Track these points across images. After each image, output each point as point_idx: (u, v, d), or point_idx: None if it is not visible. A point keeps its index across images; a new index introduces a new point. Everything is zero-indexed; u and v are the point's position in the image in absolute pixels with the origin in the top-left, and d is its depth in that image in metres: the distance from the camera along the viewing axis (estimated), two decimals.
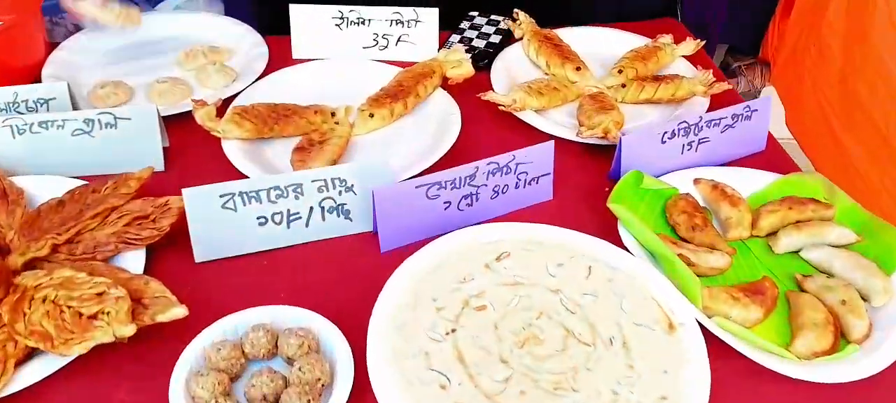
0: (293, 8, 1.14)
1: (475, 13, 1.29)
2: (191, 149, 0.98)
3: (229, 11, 1.47)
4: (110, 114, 0.91)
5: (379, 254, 0.84)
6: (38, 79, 1.07)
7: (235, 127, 0.95)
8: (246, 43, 1.18)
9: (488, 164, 0.85)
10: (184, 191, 0.79)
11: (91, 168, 0.92)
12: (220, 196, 0.80)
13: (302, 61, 1.15)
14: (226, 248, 0.82)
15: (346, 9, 1.14)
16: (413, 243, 0.85)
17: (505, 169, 0.86)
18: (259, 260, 0.83)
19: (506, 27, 1.25)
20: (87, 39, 1.17)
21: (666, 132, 0.91)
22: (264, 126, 0.97)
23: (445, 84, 1.09)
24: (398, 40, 1.17)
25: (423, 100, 1.06)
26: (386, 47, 1.17)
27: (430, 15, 1.15)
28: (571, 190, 0.93)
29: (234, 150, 0.94)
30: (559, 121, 1.05)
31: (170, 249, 0.82)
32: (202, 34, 1.20)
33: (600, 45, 1.21)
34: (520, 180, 0.88)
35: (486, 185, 0.86)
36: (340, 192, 0.84)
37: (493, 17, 1.28)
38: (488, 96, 1.03)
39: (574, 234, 0.81)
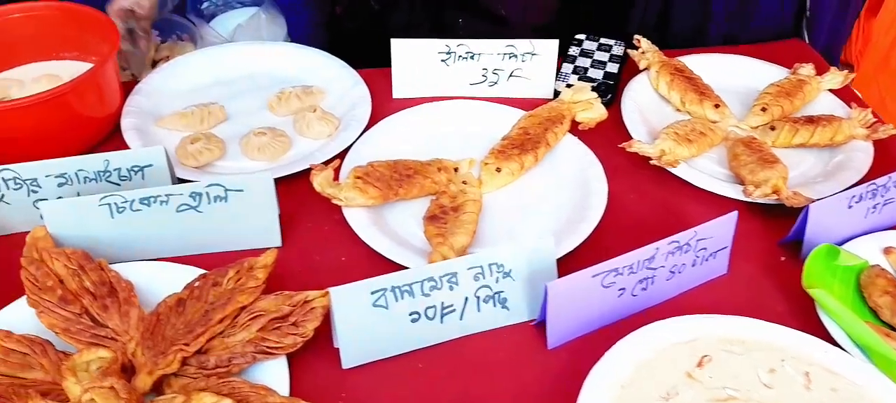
0: (396, 43, 1.02)
1: (582, 36, 1.16)
2: (303, 216, 0.86)
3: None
4: (220, 186, 0.79)
5: (543, 349, 0.74)
6: (116, 128, 0.96)
7: (359, 194, 0.84)
8: (341, 82, 1.05)
9: (669, 244, 0.74)
10: (331, 291, 0.68)
11: (198, 247, 0.81)
12: (372, 293, 0.69)
13: (402, 100, 1.04)
14: (376, 350, 0.71)
15: (453, 42, 1.02)
16: (580, 335, 0.75)
17: (685, 247, 0.75)
18: (413, 362, 0.72)
19: (620, 53, 1.13)
20: (160, 78, 1.05)
21: (854, 196, 0.81)
22: (389, 190, 0.85)
23: (573, 128, 0.98)
24: (510, 75, 1.05)
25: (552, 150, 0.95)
26: (495, 83, 1.05)
27: (548, 47, 1.03)
28: (743, 261, 0.82)
29: (358, 220, 0.83)
30: (707, 170, 0.94)
31: (309, 352, 0.71)
32: (287, 68, 1.08)
33: (726, 75, 1.09)
34: (698, 257, 0.77)
35: (663, 267, 0.75)
36: (498, 279, 0.74)
37: (603, 41, 1.16)
38: (635, 147, 0.91)
39: (777, 329, 0.71)
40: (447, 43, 1.02)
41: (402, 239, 0.83)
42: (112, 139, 0.96)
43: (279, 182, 0.87)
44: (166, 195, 0.78)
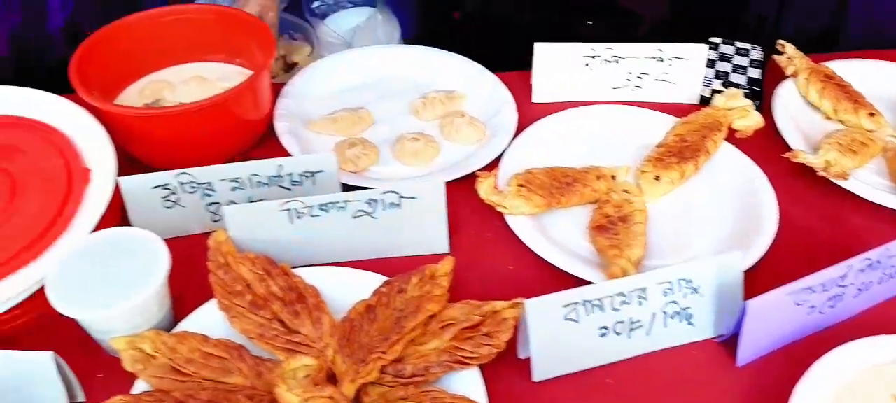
0: (539, 47, 1.01)
1: (718, 40, 1.14)
2: (463, 223, 0.86)
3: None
4: (395, 193, 0.79)
5: (731, 366, 0.73)
6: (268, 129, 0.97)
7: (524, 202, 0.84)
8: (481, 86, 1.05)
9: (862, 262, 0.72)
10: (527, 303, 0.67)
11: (370, 252, 0.82)
12: (564, 306, 0.69)
13: (542, 105, 1.03)
14: (567, 364, 0.71)
15: (599, 46, 1.01)
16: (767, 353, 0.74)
17: (875, 264, 0.73)
18: (600, 377, 0.72)
19: (760, 57, 1.11)
20: (303, 82, 1.05)
21: None
22: (552, 198, 0.85)
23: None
24: (655, 80, 1.03)
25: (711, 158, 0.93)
26: (639, 88, 1.04)
27: (697, 52, 1.01)
28: None
29: (524, 228, 0.83)
30: (868, 181, 0.91)
31: (496, 363, 0.71)
32: (425, 72, 1.08)
33: (871, 81, 1.06)
34: (885, 274, 0.75)
35: (852, 284, 0.73)
36: (685, 294, 0.73)
37: (740, 45, 1.13)
38: (801, 158, 0.89)
39: None
40: (592, 46, 1.01)
41: (567, 248, 0.83)
42: (265, 142, 0.97)
43: None
44: (344, 201, 0.79)
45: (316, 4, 1.49)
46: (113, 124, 0.86)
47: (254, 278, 0.75)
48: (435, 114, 1.01)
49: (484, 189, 0.84)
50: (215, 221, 0.85)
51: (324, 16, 1.47)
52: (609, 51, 1.01)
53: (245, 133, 0.95)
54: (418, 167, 0.94)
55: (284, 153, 0.93)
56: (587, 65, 1.02)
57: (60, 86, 0.90)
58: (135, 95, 1.00)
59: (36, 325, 0.75)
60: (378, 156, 0.94)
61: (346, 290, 0.75)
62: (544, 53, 1.01)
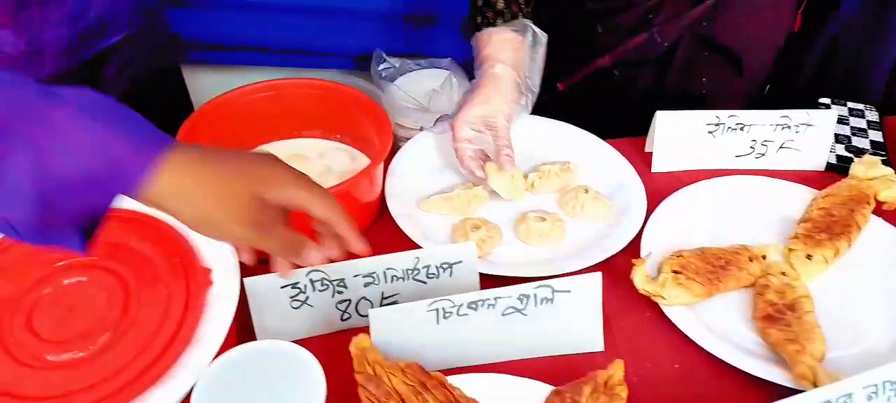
0: (660, 115, 0.96)
1: (828, 100, 1.09)
2: (613, 314, 0.79)
3: None
4: (548, 287, 0.72)
5: None
6: (379, 212, 0.90)
7: (684, 291, 0.77)
8: (592, 155, 0.99)
9: None
10: None
11: (519, 353, 0.74)
12: None
13: (661, 175, 0.98)
14: None
15: (723, 113, 0.96)
16: None
17: None
18: None
19: (875, 118, 1.06)
20: (408, 157, 0.98)
21: None
22: (711, 285, 0.78)
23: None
24: (780, 147, 0.98)
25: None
26: (763, 155, 0.98)
27: (825, 118, 0.96)
28: None
29: (686, 321, 0.76)
30: None
31: None
32: (531, 142, 1.01)
33: None
34: None
35: None
36: (889, 398, 0.66)
37: (851, 105, 1.08)
38: None
39: None
40: (717, 114, 0.96)
41: (732, 340, 0.76)
42: (376, 223, 0.90)
43: None
44: (495, 298, 0.72)
45: (383, 67, 1.44)
46: None
47: (408, 391, 0.67)
48: (551, 187, 0.94)
49: (639, 280, 0.77)
50: (344, 321, 0.77)
51: (392, 79, 1.42)
52: (733, 118, 0.96)
53: (363, 218, 0.88)
54: (545, 249, 0.87)
55: (397, 235, 0.87)
56: (710, 132, 0.96)
57: None
58: None
59: None
60: (502, 238, 0.87)
61: (499, 401, 0.68)
62: (667, 122, 0.96)
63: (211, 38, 1.62)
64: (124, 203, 0.79)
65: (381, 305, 0.77)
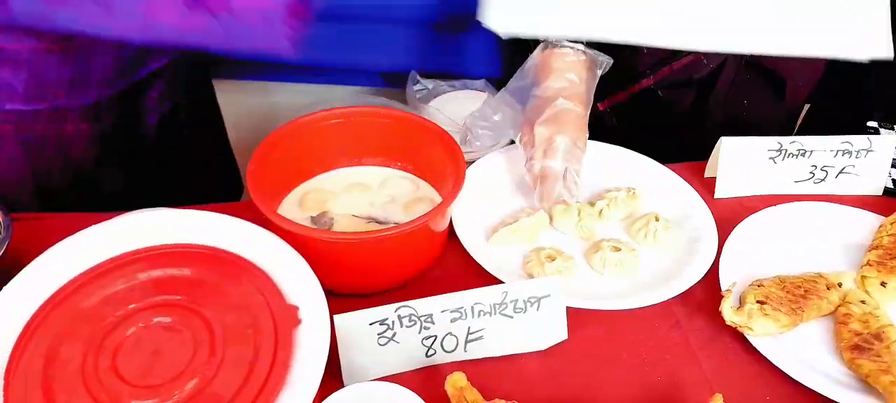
0: (725, 141, 0.96)
1: (875, 124, 1.10)
2: (702, 344, 0.79)
3: None
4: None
5: None
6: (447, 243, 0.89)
7: (772, 322, 0.76)
8: (655, 181, 0.99)
9: None
10: None
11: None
12: None
13: (724, 201, 0.97)
14: None
15: (785, 140, 0.96)
16: None
17: None
18: None
19: None
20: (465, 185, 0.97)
21: None
22: (795, 316, 0.78)
23: None
24: (840, 172, 0.98)
25: None
26: (823, 180, 0.99)
27: (885, 143, 0.97)
28: None
29: (776, 352, 0.75)
30: None
31: None
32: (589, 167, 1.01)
33: None
34: None
35: None
36: None
37: None
38: None
39: None
40: (779, 140, 0.96)
41: (821, 370, 0.75)
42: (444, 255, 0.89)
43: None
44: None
45: (417, 88, 1.43)
46: (305, 250, 0.76)
47: None
48: (619, 214, 0.94)
49: (728, 311, 0.77)
50: (428, 356, 0.76)
51: (425, 101, 1.40)
52: (794, 144, 0.96)
53: (435, 249, 0.86)
54: (620, 279, 0.86)
55: (466, 265, 0.86)
56: (772, 159, 0.97)
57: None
58: (295, 206, 0.91)
59: None
60: (576, 269, 0.87)
61: None
62: (731, 148, 0.96)
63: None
64: (204, 239, 0.78)
65: (466, 341, 0.76)
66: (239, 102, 1.52)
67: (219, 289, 0.73)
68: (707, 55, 1.10)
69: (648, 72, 1.14)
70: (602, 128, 1.17)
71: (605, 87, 1.16)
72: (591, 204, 0.95)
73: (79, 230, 0.76)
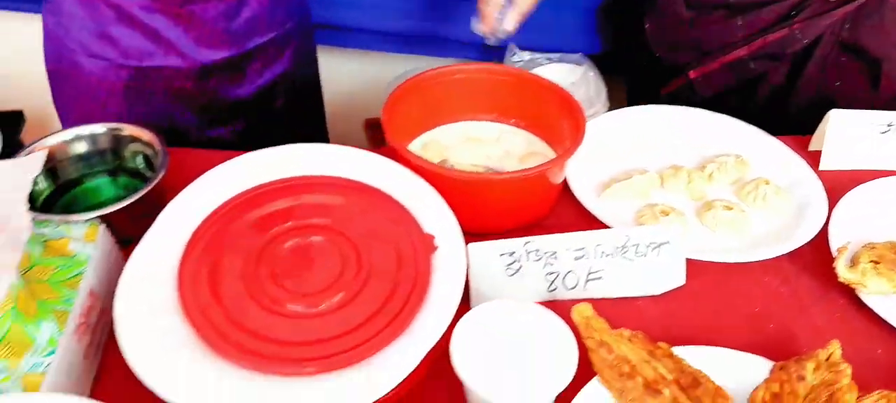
0: (834, 113, 0.98)
1: None
2: (815, 301, 0.82)
3: None
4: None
5: None
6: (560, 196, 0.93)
7: (886, 281, 0.79)
8: (764, 151, 1.01)
9: None
10: None
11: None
12: None
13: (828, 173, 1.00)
14: None
15: (892, 115, 0.98)
16: None
17: None
18: None
19: None
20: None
21: None
22: None
23: None
24: None
25: None
26: None
27: None
28: None
29: (885, 308, 0.78)
30: None
31: None
32: (698, 134, 1.04)
33: None
34: None
35: None
36: None
37: None
38: None
39: None
40: (891, 116, 0.98)
41: None
42: (558, 207, 0.94)
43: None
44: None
45: (515, 59, 1.47)
46: (436, 186, 0.82)
47: (638, 359, 0.70)
48: (728, 179, 0.97)
49: (842, 267, 0.79)
50: (550, 292, 0.81)
51: None
52: None
53: (550, 198, 0.91)
54: (731, 237, 0.89)
55: (578, 217, 0.90)
56: (883, 133, 0.98)
57: None
58: (418, 152, 0.97)
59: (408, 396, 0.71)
60: (688, 225, 0.90)
61: (722, 373, 0.71)
62: (840, 120, 0.98)
63: (331, 20, 1.61)
64: (350, 173, 0.84)
65: (586, 280, 0.80)
66: (339, 71, 1.58)
67: (363, 217, 0.79)
68: (803, 29, 1.12)
69: (742, 42, 1.17)
70: (692, 96, 1.21)
71: (697, 56, 1.20)
72: (701, 168, 0.98)
73: (209, 166, 0.83)
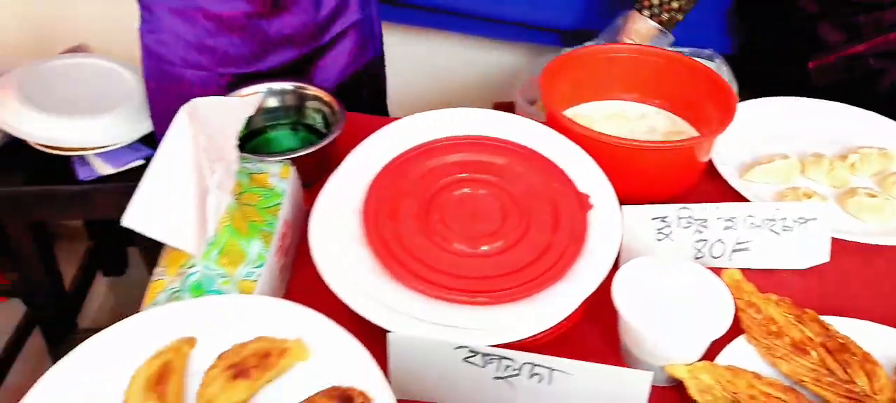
0: None
1: None
2: None
3: None
4: None
5: None
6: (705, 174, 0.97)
7: None
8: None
9: None
10: None
11: None
12: None
13: None
14: None
15: None
16: None
17: None
18: None
19: None
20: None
21: None
22: None
23: None
24: None
25: None
26: None
27: None
28: None
29: None
30: None
31: None
32: (835, 127, 1.06)
33: None
34: None
35: None
36: None
37: None
38: None
39: None
40: None
41: None
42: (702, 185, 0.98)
43: None
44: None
45: None
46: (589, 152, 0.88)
47: (785, 321, 0.74)
48: (871, 170, 0.98)
49: None
50: (696, 259, 0.85)
51: None
52: None
53: (695, 176, 0.95)
54: (873, 223, 0.91)
55: (722, 195, 0.94)
56: None
57: None
58: None
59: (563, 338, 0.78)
60: (830, 209, 0.93)
61: (868, 345, 0.73)
62: None
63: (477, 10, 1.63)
64: (504, 135, 0.91)
65: (733, 251, 0.84)
66: (403, 57, 1.60)
67: (523, 175, 0.86)
68: None
69: (863, 37, 1.18)
70: (808, 86, 1.22)
71: (816, 47, 1.21)
72: (842, 158, 1.00)
73: (372, 129, 0.91)
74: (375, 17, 1.29)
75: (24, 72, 1.39)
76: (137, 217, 0.67)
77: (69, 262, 1.83)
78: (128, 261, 2.02)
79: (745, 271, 0.83)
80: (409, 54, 1.79)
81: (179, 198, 0.68)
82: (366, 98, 1.32)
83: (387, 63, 1.38)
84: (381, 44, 1.35)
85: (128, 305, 0.74)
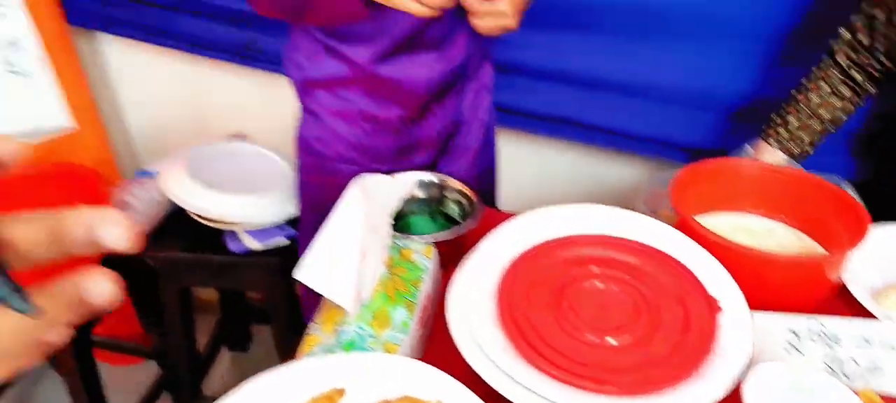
0: None
1: None
2: None
3: None
4: None
5: None
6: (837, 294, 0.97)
7: None
8: None
9: None
10: None
11: None
12: None
13: None
14: None
15: None
16: None
17: None
18: None
19: None
20: None
21: None
22: None
23: None
24: None
25: None
26: None
27: None
28: None
29: None
30: None
31: None
32: None
33: None
34: None
35: None
36: None
37: None
38: None
39: None
40: None
41: None
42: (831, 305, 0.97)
43: None
44: None
45: None
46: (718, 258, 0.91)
47: None
48: None
49: None
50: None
51: None
52: None
53: (824, 292, 0.95)
54: None
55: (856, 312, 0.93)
56: None
57: None
58: None
59: None
60: None
61: None
62: None
63: (521, 107, 1.70)
64: (634, 236, 0.96)
65: (866, 372, 0.83)
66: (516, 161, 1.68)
67: (653, 274, 0.89)
68: None
69: None
70: None
71: None
72: None
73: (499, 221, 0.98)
74: (491, 127, 1.39)
75: (193, 151, 1.58)
76: (307, 272, 0.76)
77: (201, 332, 1.98)
78: (252, 338, 2.15)
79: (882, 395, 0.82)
80: (520, 158, 1.88)
81: (345, 261, 0.77)
82: None
83: (500, 169, 1.48)
84: (494, 151, 1.44)
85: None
